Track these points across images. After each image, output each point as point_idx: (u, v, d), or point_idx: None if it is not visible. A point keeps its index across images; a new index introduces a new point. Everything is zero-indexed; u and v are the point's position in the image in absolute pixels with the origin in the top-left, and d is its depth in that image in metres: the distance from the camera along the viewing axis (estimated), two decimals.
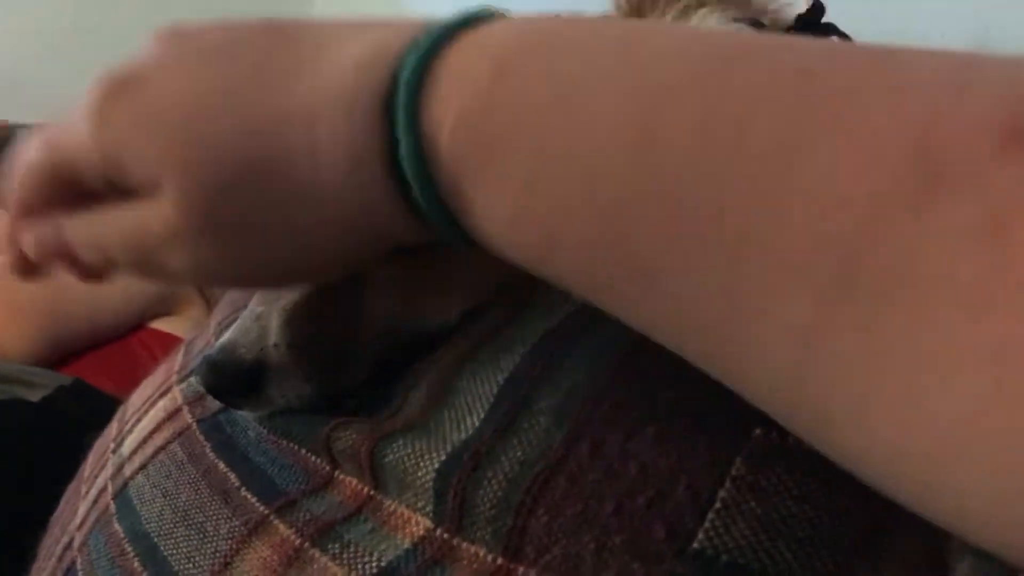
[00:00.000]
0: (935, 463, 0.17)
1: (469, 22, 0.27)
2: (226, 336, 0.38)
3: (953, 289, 0.16)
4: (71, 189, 0.31)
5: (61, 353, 1.18)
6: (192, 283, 0.27)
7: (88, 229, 0.31)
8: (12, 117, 2.34)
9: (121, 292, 1.28)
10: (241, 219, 0.28)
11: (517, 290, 0.38)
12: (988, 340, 0.16)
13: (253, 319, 0.38)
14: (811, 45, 0.21)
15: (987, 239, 0.16)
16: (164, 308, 1.36)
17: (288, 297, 0.38)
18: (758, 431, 0.29)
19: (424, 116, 0.26)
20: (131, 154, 0.28)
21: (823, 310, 0.18)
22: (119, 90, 0.29)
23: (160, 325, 1.30)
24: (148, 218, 0.29)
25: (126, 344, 1.24)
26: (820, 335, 0.18)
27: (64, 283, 1.20)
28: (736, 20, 0.44)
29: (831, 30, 0.46)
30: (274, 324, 0.38)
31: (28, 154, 0.31)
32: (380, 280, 0.39)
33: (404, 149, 0.26)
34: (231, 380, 0.38)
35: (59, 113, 0.31)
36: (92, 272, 0.33)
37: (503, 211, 0.25)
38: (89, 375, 1.06)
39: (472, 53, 0.26)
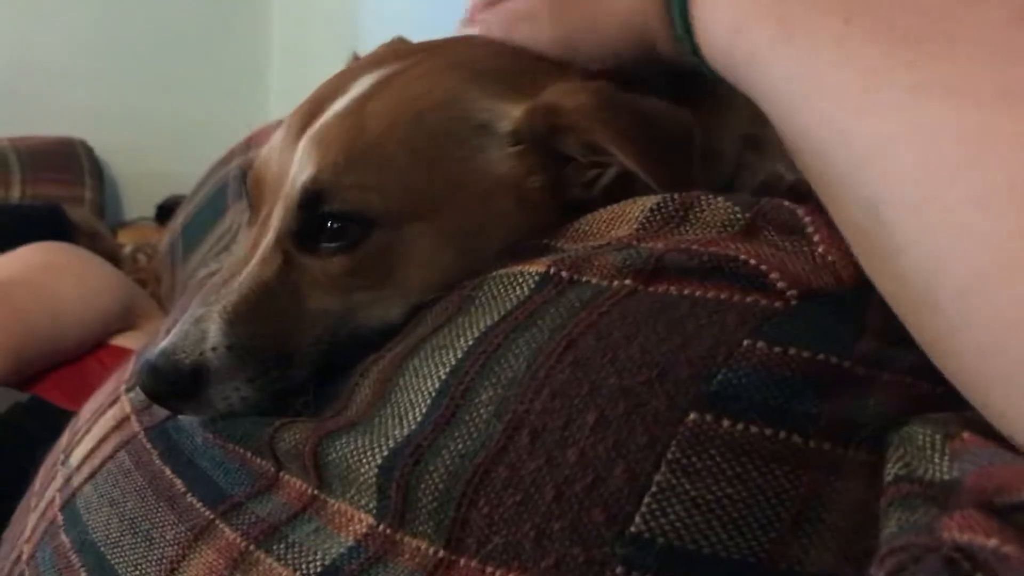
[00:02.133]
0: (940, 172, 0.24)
1: None
2: (166, 341, 0.38)
3: (984, 45, 0.24)
4: None
5: (27, 373, 1.17)
6: (531, 41, 0.46)
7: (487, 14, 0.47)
8: (15, 131, 2.32)
9: (83, 309, 1.27)
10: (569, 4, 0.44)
11: (461, 289, 0.38)
12: (1013, 83, 0.23)
13: (192, 323, 0.38)
14: None
15: (1020, 19, 0.24)
16: (126, 323, 1.34)
17: (227, 299, 0.38)
18: (693, 415, 0.29)
19: None
20: None
21: (890, 56, 0.27)
22: None
23: (121, 341, 1.29)
24: (519, 4, 0.45)
25: (86, 363, 1.22)
26: (884, 75, 0.27)
27: (29, 305, 1.18)
28: None
29: None
30: (213, 327, 0.38)
31: None
32: (321, 281, 0.39)
33: None
34: (171, 385, 0.37)
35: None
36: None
37: (712, 13, 0.36)
38: (49, 395, 1.05)
39: None
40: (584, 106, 0.39)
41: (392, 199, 0.39)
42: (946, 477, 0.25)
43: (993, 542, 0.21)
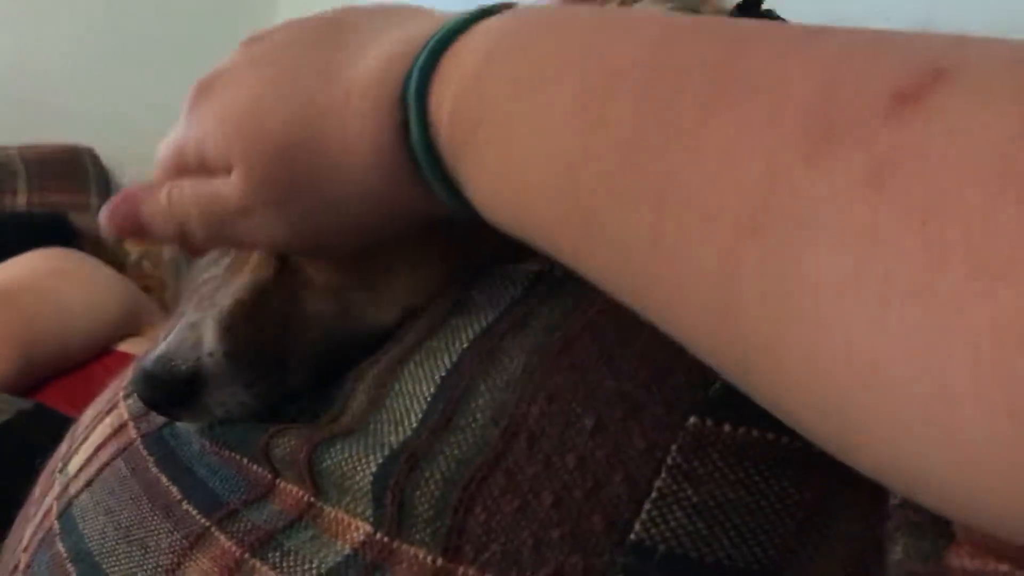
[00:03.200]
0: (839, 393, 0.18)
1: (485, 13, 0.30)
2: (161, 347, 0.38)
3: (841, 230, 0.18)
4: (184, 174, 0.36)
5: (32, 380, 1.17)
6: (260, 245, 0.37)
7: (174, 198, 0.36)
8: (21, 139, 2.32)
9: (89, 315, 1.27)
10: (291, 189, 0.33)
11: (454, 290, 0.38)
12: (873, 274, 0.17)
13: (188, 328, 0.37)
14: (743, 25, 0.24)
15: (870, 186, 0.17)
16: (132, 329, 1.34)
17: (222, 305, 0.38)
18: (693, 419, 0.28)
19: (430, 101, 0.30)
20: (211, 141, 0.34)
21: (730, 254, 0.20)
22: (203, 90, 0.36)
23: (127, 347, 1.29)
24: (223, 190, 0.34)
25: (91, 369, 1.22)
26: (729, 278, 0.20)
27: (34, 311, 1.19)
28: (674, 9, 0.44)
29: (771, 17, 0.46)
30: (209, 333, 0.37)
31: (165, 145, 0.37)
32: (317, 285, 0.39)
33: (413, 132, 0.30)
34: (167, 391, 0.37)
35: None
36: (171, 240, 0.38)
37: (484, 188, 0.29)
38: (54, 402, 1.04)
39: (472, 43, 0.29)
40: None
41: None
42: None
43: (1004, 567, 0.20)
